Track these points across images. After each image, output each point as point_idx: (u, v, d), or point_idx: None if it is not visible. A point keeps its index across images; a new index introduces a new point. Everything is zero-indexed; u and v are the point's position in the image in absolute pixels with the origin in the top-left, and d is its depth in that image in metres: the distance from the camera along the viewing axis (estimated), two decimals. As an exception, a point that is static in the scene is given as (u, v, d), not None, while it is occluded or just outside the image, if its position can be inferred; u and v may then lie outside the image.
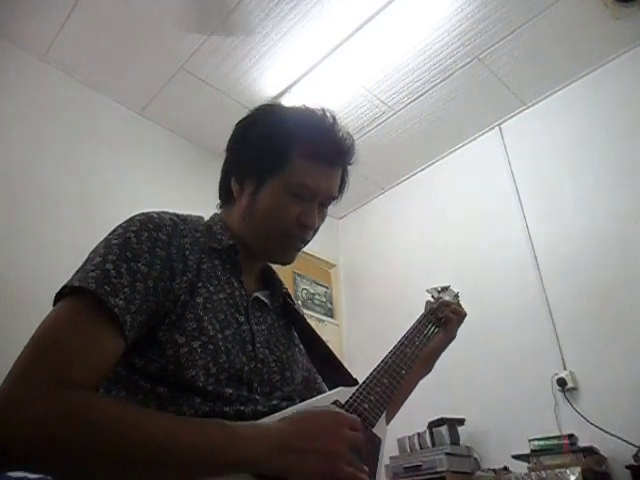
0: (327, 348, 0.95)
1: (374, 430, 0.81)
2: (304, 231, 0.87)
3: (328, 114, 0.88)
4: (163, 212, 0.82)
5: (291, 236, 0.86)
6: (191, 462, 0.59)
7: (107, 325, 0.65)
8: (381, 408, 0.84)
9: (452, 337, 1.12)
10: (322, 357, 0.94)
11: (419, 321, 1.07)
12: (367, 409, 0.82)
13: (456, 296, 1.22)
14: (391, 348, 0.96)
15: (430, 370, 1.11)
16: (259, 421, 0.70)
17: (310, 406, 0.78)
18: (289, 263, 0.92)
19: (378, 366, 0.91)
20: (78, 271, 0.71)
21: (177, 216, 0.83)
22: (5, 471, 0.59)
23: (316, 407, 0.70)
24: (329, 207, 0.93)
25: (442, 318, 1.10)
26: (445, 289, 1.21)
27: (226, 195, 0.92)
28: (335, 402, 0.80)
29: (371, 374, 0.89)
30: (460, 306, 1.17)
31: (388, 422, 0.91)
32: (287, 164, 0.84)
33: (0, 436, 0.54)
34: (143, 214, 0.78)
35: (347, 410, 0.80)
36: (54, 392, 0.58)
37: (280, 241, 0.87)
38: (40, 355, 0.61)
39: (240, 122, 0.93)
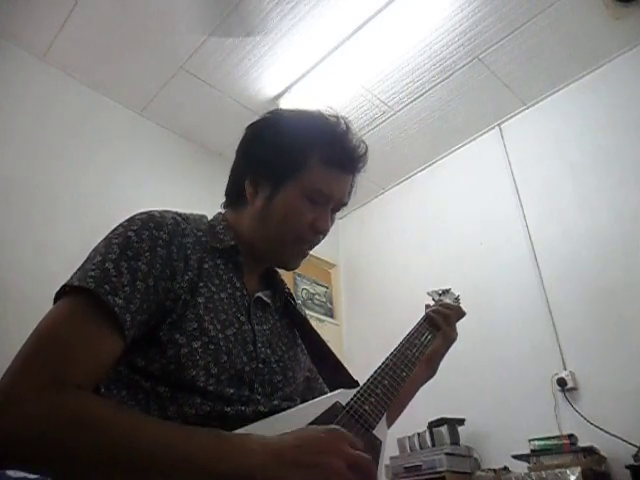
0: (328, 349, 0.94)
1: (375, 432, 0.80)
2: (316, 236, 0.88)
3: (342, 121, 0.89)
4: (165, 211, 0.81)
5: (304, 241, 0.87)
6: (183, 470, 0.58)
7: (106, 324, 0.65)
8: (382, 410, 0.83)
9: (452, 338, 1.10)
10: (323, 358, 0.94)
11: (419, 324, 1.07)
12: (368, 411, 0.81)
13: (457, 299, 1.22)
14: (392, 350, 0.96)
15: (434, 373, 1.10)
16: (259, 434, 0.66)
17: (310, 407, 0.78)
18: (294, 269, 0.92)
19: (379, 368, 0.90)
20: (78, 270, 0.70)
21: (179, 215, 0.83)
22: (1, 470, 0.59)
23: (316, 427, 0.68)
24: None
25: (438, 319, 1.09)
26: (446, 292, 1.20)
27: (236, 196, 0.91)
28: (335, 403, 0.80)
29: (372, 376, 0.88)
30: (460, 307, 1.16)
31: (389, 426, 0.90)
32: (305, 169, 0.84)
33: None
34: (144, 213, 0.78)
35: (348, 412, 0.80)
36: (49, 392, 0.57)
37: (292, 245, 0.87)
38: (37, 354, 0.61)
39: (253, 125, 0.93)
